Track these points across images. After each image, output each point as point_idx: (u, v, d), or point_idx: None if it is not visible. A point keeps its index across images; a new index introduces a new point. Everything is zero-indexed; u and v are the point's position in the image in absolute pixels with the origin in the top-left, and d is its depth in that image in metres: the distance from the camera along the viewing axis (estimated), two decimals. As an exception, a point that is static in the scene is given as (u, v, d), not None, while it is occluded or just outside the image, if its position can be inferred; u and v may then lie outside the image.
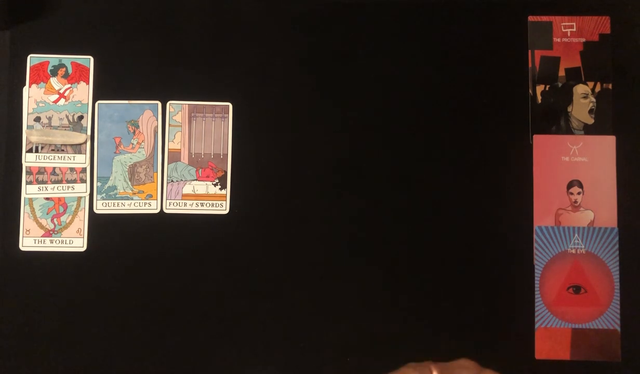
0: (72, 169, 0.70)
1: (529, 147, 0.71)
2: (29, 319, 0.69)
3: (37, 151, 0.70)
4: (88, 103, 0.71)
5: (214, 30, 0.72)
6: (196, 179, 0.70)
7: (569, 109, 0.71)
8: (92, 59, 0.71)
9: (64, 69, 0.71)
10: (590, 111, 0.71)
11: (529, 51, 0.72)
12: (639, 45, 0.72)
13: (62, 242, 0.69)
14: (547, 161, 0.70)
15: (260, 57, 0.72)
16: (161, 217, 0.70)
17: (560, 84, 0.71)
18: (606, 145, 0.70)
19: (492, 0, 0.72)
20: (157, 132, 0.71)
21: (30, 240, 0.69)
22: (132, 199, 0.70)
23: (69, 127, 0.70)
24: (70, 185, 0.70)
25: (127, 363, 0.69)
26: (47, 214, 0.70)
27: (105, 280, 0.69)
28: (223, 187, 0.70)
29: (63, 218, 0.70)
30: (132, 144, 0.71)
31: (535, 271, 0.69)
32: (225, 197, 0.70)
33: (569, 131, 0.71)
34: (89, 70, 0.71)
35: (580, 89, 0.71)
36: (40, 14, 0.71)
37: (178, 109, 0.71)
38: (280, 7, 0.72)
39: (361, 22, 0.72)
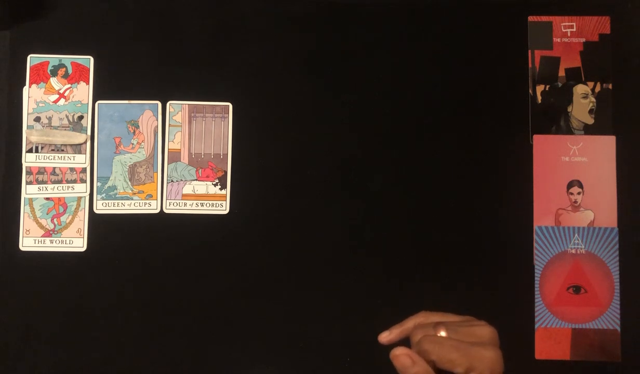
0: (72, 169, 0.70)
1: (529, 147, 0.71)
2: (29, 319, 0.69)
3: (37, 151, 0.70)
4: (88, 103, 0.71)
5: (214, 30, 0.72)
6: (196, 179, 0.70)
7: (569, 109, 0.71)
8: (92, 59, 0.71)
9: (64, 69, 0.71)
10: (590, 111, 0.71)
11: (529, 51, 0.72)
12: (639, 45, 0.72)
13: (62, 242, 0.69)
14: (547, 161, 0.70)
15: (260, 57, 0.72)
16: (161, 217, 0.70)
17: (560, 84, 0.71)
18: (606, 145, 0.70)
19: (492, 0, 0.72)
20: (157, 132, 0.71)
21: (30, 240, 0.69)
22: (132, 199, 0.70)
23: (69, 127, 0.70)
24: (70, 185, 0.70)
25: (127, 362, 0.68)
26: (47, 214, 0.70)
27: (105, 280, 0.69)
28: (223, 187, 0.70)
29: (63, 218, 0.70)
30: (132, 144, 0.71)
31: (535, 271, 0.69)
32: (225, 197, 0.70)
33: (569, 131, 0.71)
34: (89, 70, 0.71)
35: (580, 89, 0.71)
36: (40, 14, 0.71)
37: (178, 109, 0.71)
38: (281, 8, 0.72)
39: (361, 22, 0.72)
